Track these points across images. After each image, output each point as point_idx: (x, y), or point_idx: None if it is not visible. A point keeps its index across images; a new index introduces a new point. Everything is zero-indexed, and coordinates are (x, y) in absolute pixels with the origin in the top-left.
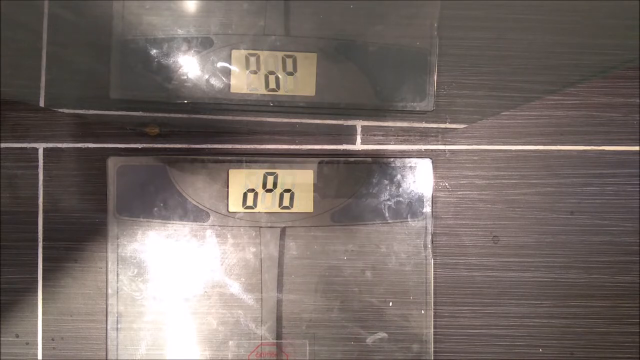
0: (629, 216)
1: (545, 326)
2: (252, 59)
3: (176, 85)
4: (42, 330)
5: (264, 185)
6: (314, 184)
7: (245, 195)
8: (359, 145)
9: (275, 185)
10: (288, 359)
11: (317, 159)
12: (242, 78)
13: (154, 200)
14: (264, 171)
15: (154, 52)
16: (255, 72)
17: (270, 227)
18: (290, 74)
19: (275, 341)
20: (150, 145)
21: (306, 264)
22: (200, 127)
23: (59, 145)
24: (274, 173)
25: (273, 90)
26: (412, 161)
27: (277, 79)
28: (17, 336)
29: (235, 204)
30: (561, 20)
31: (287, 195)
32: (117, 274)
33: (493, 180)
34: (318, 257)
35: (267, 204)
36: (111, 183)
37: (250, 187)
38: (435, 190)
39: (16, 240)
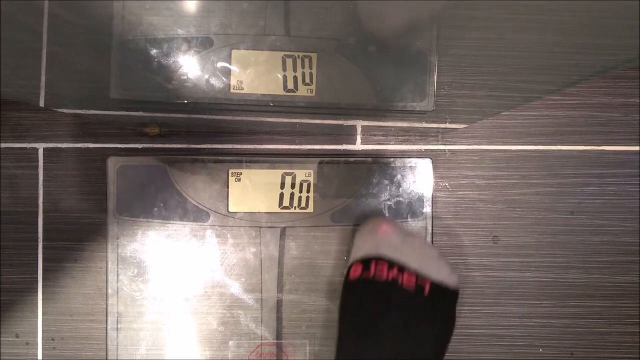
0: (629, 216)
1: (545, 326)
2: (252, 59)
3: (176, 85)
4: (42, 330)
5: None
6: (314, 184)
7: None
8: (359, 145)
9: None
10: (288, 359)
11: (317, 159)
12: (242, 78)
13: (154, 200)
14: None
15: (154, 52)
16: (255, 72)
17: (270, 227)
18: (290, 74)
19: (275, 341)
20: (150, 145)
21: (306, 264)
22: (200, 127)
23: (59, 145)
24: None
25: (273, 90)
26: (412, 161)
27: (277, 79)
28: (17, 336)
29: (236, 204)
30: (561, 20)
31: (287, 195)
32: (117, 274)
33: (493, 180)
34: (318, 257)
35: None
36: (111, 183)
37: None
38: (435, 190)
39: (16, 240)
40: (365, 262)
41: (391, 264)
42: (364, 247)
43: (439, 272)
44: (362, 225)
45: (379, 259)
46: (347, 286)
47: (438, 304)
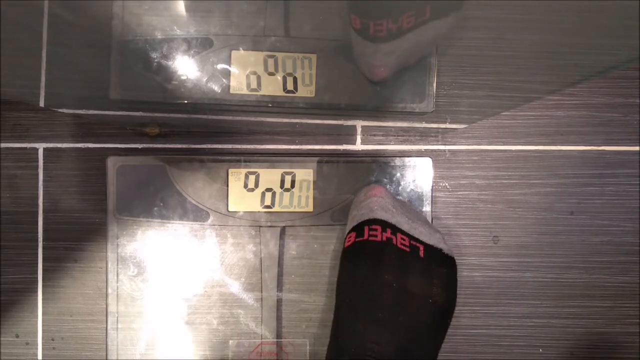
0: (629, 216)
1: (545, 326)
2: (252, 60)
3: (176, 85)
4: (42, 330)
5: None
6: (314, 183)
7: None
8: (359, 146)
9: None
10: (288, 358)
11: (316, 157)
12: (241, 79)
13: (153, 200)
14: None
15: (153, 52)
16: (254, 73)
17: (270, 226)
18: (290, 74)
19: (275, 340)
20: (150, 145)
21: (306, 263)
22: (200, 127)
23: (59, 145)
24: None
25: (272, 91)
26: (412, 160)
27: (276, 80)
28: (17, 336)
29: (235, 203)
30: (561, 20)
31: (286, 194)
32: (117, 274)
33: (493, 180)
34: (318, 257)
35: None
36: (111, 183)
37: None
38: (435, 190)
39: (16, 240)
40: (359, 228)
41: (384, 226)
42: (357, 215)
43: (430, 236)
44: (354, 198)
45: (372, 222)
46: (343, 255)
47: (434, 268)
